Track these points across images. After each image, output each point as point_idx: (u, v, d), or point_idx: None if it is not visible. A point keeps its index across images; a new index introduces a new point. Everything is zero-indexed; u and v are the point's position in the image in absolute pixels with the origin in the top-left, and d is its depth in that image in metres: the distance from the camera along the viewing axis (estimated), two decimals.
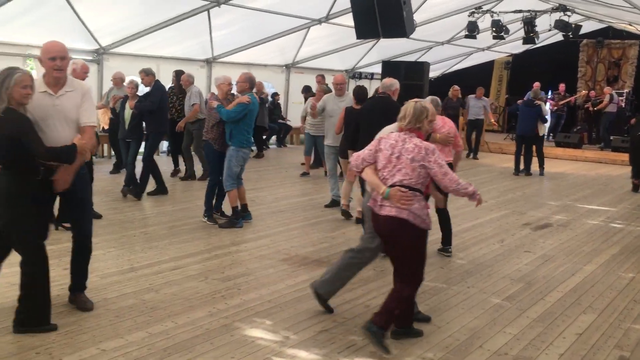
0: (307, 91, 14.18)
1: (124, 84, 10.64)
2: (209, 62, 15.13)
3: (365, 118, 6.91)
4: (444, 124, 6.37)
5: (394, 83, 7.00)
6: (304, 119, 12.04)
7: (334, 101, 8.88)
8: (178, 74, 11.08)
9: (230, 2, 11.81)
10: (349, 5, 10.28)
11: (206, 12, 12.12)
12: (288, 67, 17.40)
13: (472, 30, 15.77)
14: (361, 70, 19.78)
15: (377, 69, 19.35)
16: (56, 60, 4.39)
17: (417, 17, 10.91)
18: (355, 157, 4.42)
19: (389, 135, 4.36)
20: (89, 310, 4.69)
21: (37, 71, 12.06)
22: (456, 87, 15.53)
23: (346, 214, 8.27)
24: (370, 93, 17.51)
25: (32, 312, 4.26)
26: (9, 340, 4.11)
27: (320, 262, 6.26)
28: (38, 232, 4.34)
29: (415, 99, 4.44)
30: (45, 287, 4.32)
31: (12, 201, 4.16)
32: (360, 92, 8.03)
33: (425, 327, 4.68)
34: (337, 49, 16.93)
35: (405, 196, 4.13)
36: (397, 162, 4.21)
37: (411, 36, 9.80)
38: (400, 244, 4.25)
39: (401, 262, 4.32)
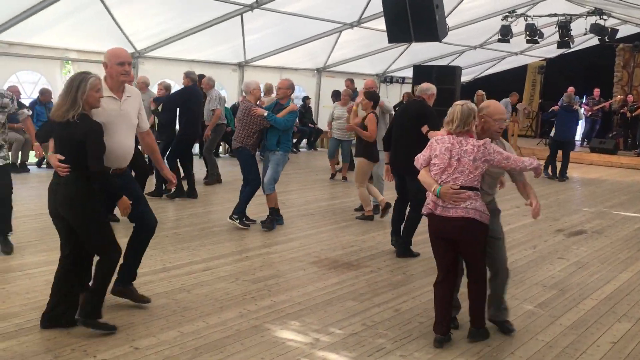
0: (335, 96, 14.23)
1: (149, 88, 10.72)
2: (241, 66, 15.27)
3: (397, 120, 6.97)
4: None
5: (430, 87, 7.00)
6: (330, 123, 12.02)
7: None
8: (199, 77, 11.11)
9: (263, 6, 11.90)
10: (381, 9, 10.30)
11: (239, 17, 12.24)
12: (319, 71, 17.46)
13: (505, 34, 15.61)
14: (392, 74, 19.74)
15: (408, 73, 19.29)
16: (124, 65, 4.48)
17: (450, 21, 10.84)
18: (415, 161, 4.57)
19: (441, 139, 4.42)
20: (147, 301, 4.82)
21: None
22: (480, 91, 15.39)
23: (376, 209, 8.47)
24: (398, 97, 17.58)
25: (99, 305, 4.35)
26: (45, 336, 4.20)
27: (350, 265, 6.27)
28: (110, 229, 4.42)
29: (462, 101, 4.48)
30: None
31: (88, 202, 4.22)
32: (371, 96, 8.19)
33: (456, 332, 4.65)
34: (368, 53, 16.94)
35: (456, 193, 4.24)
36: (458, 165, 4.29)
37: (443, 40, 9.74)
38: (472, 242, 4.38)
39: (474, 259, 4.46)
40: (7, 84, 11.30)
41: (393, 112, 8.60)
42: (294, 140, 16.55)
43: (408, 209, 6.89)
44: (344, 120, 10.51)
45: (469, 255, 4.49)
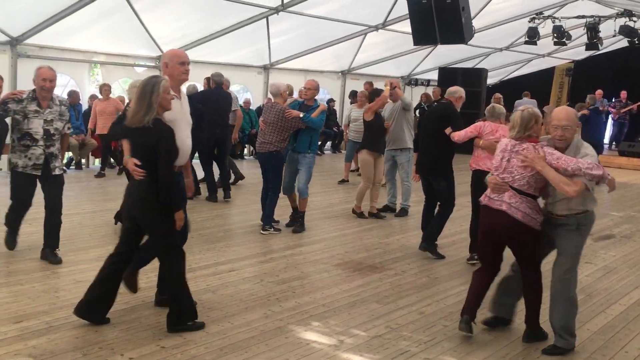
0: (353, 96, 14.20)
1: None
2: (266, 69, 15.35)
3: (423, 122, 7.07)
4: (495, 131, 6.33)
5: (457, 90, 7.02)
6: (347, 125, 11.95)
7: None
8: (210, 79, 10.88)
9: (289, 9, 11.96)
10: (406, 11, 10.27)
11: (265, 20, 12.32)
12: (344, 74, 17.47)
13: (532, 36, 15.47)
14: (417, 76, 19.67)
15: (434, 75, 19.24)
16: (185, 65, 4.60)
17: (476, 23, 10.77)
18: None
19: (502, 141, 4.58)
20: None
21: (102, 77, 12.55)
22: (498, 95, 15.25)
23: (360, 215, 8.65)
24: (417, 99, 17.50)
25: (186, 308, 4.45)
26: (74, 334, 4.27)
27: (374, 268, 6.26)
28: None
29: (524, 106, 4.59)
30: (186, 284, 4.51)
31: (159, 207, 4.31)
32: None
33: (484, 335, 4.62)
34: (393, 55, 16.91)
35: (498, 185, 4.36)
36: (507, 166, 4.43)
37: (469, 42, 9.69)
38: (516, 242, 4.48)
39: (521, 260, 4.57)
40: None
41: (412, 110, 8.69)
42: (319, 143, 16.61)
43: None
44: (361, 123, 10.49)
45: (516, 255, 4.60)
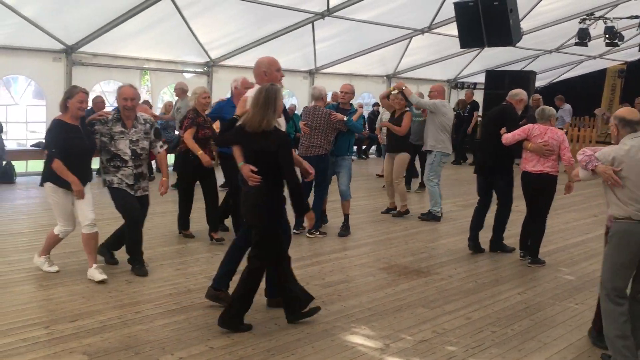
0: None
1: (188, 94, 10.37)
2: (312, 73, 15.45)
3: (483, 123, 7.23)
4: (544, 134, 6.35)
5: (518, 93, 7.07)
6: (379, 129, 11.79)
7: None
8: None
9: (334, 14, 12.02)
10: (452, 14, 10.22)
11: (310, 25, 12.41)
12: (389, 78, 17.43)
13: (582, 37, 15.09)
14: (463, 80, 19.47)
15: (480, 78, 19.00)
16: (281, 71, 4.80)
17: (524, 25, 10.63)
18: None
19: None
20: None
21: (151, 83, 12.86)
22: (537, 95, 14.95)
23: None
24: (453, 101, 17.27)
25: (300, 306, 4.73)
26: (126, 333, 4.39)
27: (419, 272, 6.23)
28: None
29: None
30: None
31: (274, 212, 4.49)
32: None
33: (529, 343, 4.55)
34: (439, 58, 16.79)
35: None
36: None
37: (517, 44, 9.57)
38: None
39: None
40: (91, 93, 11.88)
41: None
42: (363, 147, 16.62)
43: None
44: None
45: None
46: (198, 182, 7.06)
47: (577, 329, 4.89)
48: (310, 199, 7.31)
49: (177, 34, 11.56)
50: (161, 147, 5.82)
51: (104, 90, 12.87)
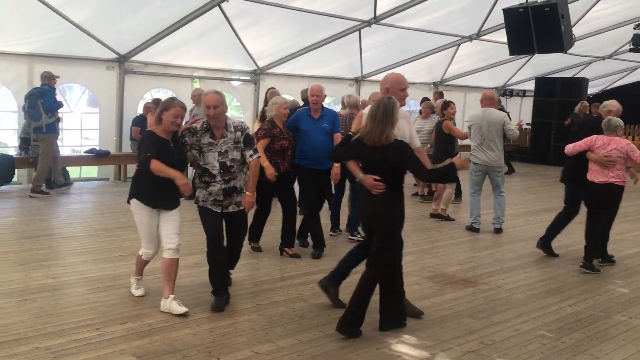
0: (446, 107, 13.94)
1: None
2: (358, 81, 15.46)
3: (573, 131, 7.42)
4: (607, 144, 6.31)
5: (607, 104, 7.18)
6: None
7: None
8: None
9: (381, 22, 12.02)
10: (501, 21, 10.08)
11: (357, 32, 12.43)
12: (436, 85, 17.30)
13: (637, 43, 14.63)
14: (512, 87, 19.16)
15: (530, 85, 18.68)
16: (405, 91, 4.83)
17: (576, 31, 10.38)
18: None
19: None
20: (342, 306, 4.95)
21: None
22: (585, 103, 14.54)
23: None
24: (518, 111, 16.91)
25: (401, 311, 4.83)
26: (174, 337, 4.47)
27: (466, 282, 6.14)
28: None
29: None
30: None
31: (398, 219, 4.66)
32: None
33: (581, 357, 4.43)
34: (487, 65, 16.59)
35: None
36: None
37: (568, 51, 9.36)
38: None
39: None
40: (141, 101, 12.21)
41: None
42: None
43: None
44: (424, 134, 10.28)
45: None
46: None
47: (630, 343, 4.73)
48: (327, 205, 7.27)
49: (226, 42, 11.75)
50: (251, 156, 5.11)
51: (155, 98, 13.17)
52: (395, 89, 4.84)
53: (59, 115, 10.29)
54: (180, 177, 4.76)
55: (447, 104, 9.55)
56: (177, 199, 5.01)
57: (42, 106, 9.83)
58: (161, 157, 4.75)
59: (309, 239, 7.14)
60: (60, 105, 10.15)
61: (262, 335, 4.56)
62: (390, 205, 4.58)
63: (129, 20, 10.31)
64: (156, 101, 10.53)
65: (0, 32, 9.86)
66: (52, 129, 10.12)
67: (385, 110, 4.44)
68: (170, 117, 4.80)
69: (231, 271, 5.61)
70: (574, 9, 10.18)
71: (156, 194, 4.90)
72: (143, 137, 5.11)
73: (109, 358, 4.07)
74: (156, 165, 4.70)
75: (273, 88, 9.49)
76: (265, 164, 6.35)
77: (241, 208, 5.17)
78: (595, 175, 6.56)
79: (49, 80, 10.01)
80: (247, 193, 5.15)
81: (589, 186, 6.64)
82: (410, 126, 5.10)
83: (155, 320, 4.73)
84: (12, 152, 11.05)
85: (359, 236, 7.53)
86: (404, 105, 4.89)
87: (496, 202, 8.53)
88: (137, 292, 5.29)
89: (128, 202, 5.05)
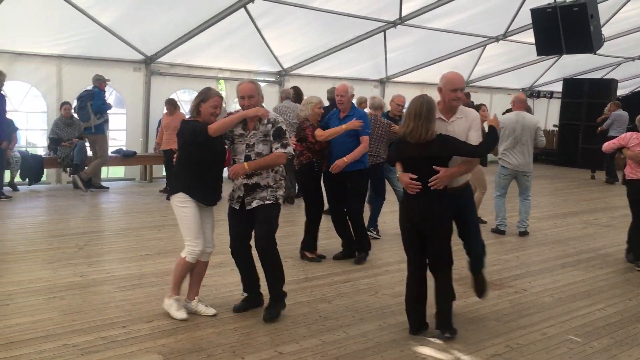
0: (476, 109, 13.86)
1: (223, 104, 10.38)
2: (382, 82, 15.42)
3: None
4: None
5: None
6: None
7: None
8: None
9: (407, 22, 11.96)
10: (528, 21, 9.96)
11: (382, 33, 12.40)
12: None
13: None
14: (539, 88, 18.94)
15: (558, 87, 18.44)
16: (457, 92, 4.77)
17: (606, 31, 10.22)
18: None
19: None
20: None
21: (226, 93, 13.18)
22: (617, 102, 14.25)
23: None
24: (545, 112, 16.67)
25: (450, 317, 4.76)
26: (199, 336, 4.49)
27: (492, 285, 6.06)
28: None
29: None
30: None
31: (443, 217, 4.63)
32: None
33: None
34: (514, 67, 16.42)
35: None
36: None
37: (597, 52, 9.22)
38: None
39: None
40: None
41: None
42: None
43: None
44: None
45: None
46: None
47: None
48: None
49: (251, 44, 11.81)
50: (276, 148, 4.79)
51: (181, 99, 13.26)
52: (447, 89, 4.74)
53: (107, 116, 10.75)
54: (250, 111, 4.74)
55: (478, 107, 9.38)
56: (219, 194, 4.92)
57: (91, 108, 10.26)
58: (202, 146, 4.70)
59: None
60: (108, 107, 10.73)
61: (286, 336, 4.57)
62: (428, 204, 4.55)
63: (156, 21, 10.42)
64: (170, 102, 10.68)
65: (31, 34, 10.04)
66: (100, 130, 10.63)
67: (429, 108, 4.47)
68: (209, 107, 4.71)
69: (260, 272, 5.12)
70: (603, 9, 10.02)
71: (201, 186, 4.76)
72: (185, 123, 4.84)
73: (135, 356, 4.10)
74: (215, 126, 4.63)
75: (289, 88, 9.61)
76: None
77: (262, 202, 4.80)
78: (634, 172, 6.71)
79: (99, 83, 10.51)
80: (244, 164, 4.79)
81: (628, 184, 6.80)
82: (471, 128, 4.78)
83: (180, 319, 4.75)
84: (41, 152, 11.24)
85: (375, 233, 7.76)
86: (457, 105, 4.74)
87: (522, 206, 8.44)
88: (180, 315, 4.78)
89: (168, 198, 4.92)
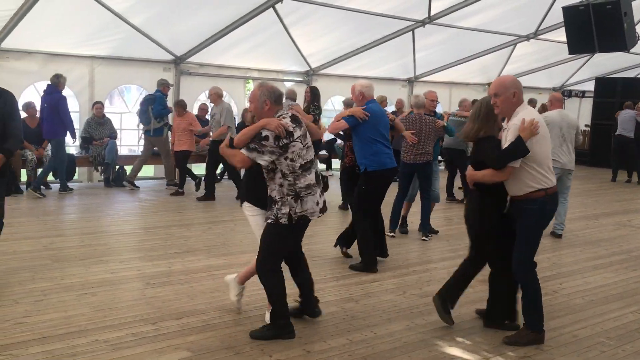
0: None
1: (224, 100, 10.17)
2: (410, 82, 15.34)
3: None
4: None
5: None
6: None
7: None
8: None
9: (435, 21, 11.89)
10: (560, 19, 9.83)
11: (411, 33, 12.34)
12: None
13: None
14: (571, 87, 18.65)
15: (590, 86, 18.16)
16: (492, 97, 4.72)
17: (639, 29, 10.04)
18: None
19: None
20: None
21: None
22: (628, 102, 13.92)
23: None
24: (577, 112, 16.38)
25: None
26: (227, 333, 4.53)
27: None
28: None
29: None
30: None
31: (484, 216, 4.70)
32: None
33: None
34: (545, 65, 16.21)
35: None
36: None
37: (631, 50, 9.05)
38: None
39: None
40: (196, 102, 12.44)
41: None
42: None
43: None
44: None
45: None
46: None
47: None
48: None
49: (279, 43, 11.86)
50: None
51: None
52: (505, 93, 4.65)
53: (167, 119, 10.90)
54: (256, 126, 4.25)
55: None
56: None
57: (151, 111, 10.44)
58: None
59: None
60: (168, 111, 10.84)
61: (314, 334, 4.58)
62: (472, 203, 4.75)
63: (185, 22, 10.53)
64: (179, 103, 10.79)
65: (65, 35, 10.21)
66: (159, 133, 10.76)
67: (486, 109, 4.59)
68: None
69: (287, 272, 4.91)
70: (637, 7, 9.82)
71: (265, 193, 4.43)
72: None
73: (164, 352, 4.15)
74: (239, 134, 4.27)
75: (312, 86, 9.66)
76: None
77: (267, 221, 4.39)
78: None
79: (163, 87, 10.70)
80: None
81: None
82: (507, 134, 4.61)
83: (209, 317, 4.80)
84: (73, 151, 11.44)
85: (431, 236, 7.86)
86: (497, 110, 4.54)
87: (561, 207, 8.08)
88: (236, 299, 4.93)
89: (241, 205, 4.76)
